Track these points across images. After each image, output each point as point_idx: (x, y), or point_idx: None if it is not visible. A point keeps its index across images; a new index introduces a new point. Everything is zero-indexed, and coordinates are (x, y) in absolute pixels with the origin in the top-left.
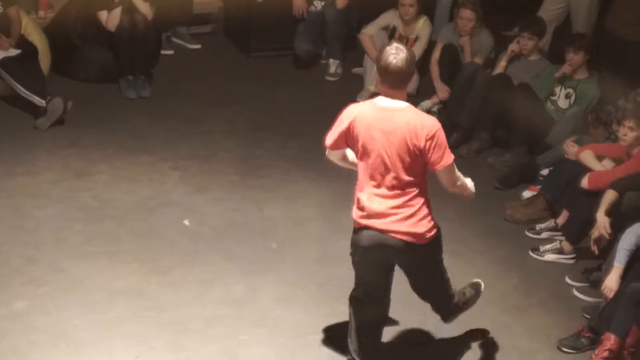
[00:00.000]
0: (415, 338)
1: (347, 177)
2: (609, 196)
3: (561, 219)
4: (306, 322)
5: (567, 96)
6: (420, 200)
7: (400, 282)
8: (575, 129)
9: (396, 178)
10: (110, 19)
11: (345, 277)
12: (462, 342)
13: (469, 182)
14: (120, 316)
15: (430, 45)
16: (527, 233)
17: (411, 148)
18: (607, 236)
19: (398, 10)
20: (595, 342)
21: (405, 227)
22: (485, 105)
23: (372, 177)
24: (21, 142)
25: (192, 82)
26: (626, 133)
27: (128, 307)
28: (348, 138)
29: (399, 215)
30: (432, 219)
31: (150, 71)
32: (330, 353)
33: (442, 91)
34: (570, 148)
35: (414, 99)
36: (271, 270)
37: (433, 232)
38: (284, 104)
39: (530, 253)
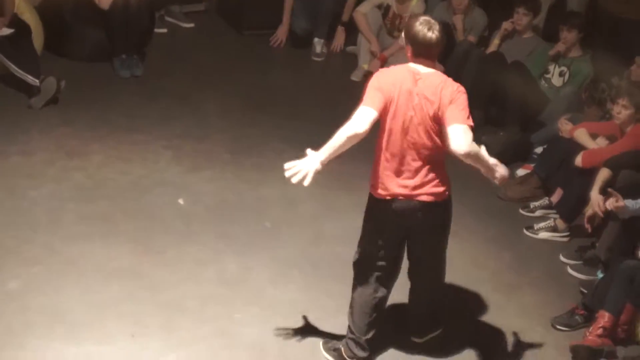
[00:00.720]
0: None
1: (343, 157)
2: (603, 174)
3: (555, 197)
4: (301, 301)
5: (561, 74)
6: (440, 165)
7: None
8: (569, 107)
9: (423, 147)
10: None
11: (340, 257)
12: (454, 322)
13: (495, 163)
14: (115, 296)
15: None
16: (521, 211)
17: (436, 107)
18: (601, 214)
19: None
20: (589, 320)
21: (428, 189)
22: (478, 83)
23: (396, 154)
24: (15, 121)
25: (186, 60)
26: (620, 111)
27: (123, 287)
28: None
29: (424, 183)
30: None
31: (144, 50)
32: (325, 332)
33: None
34: (564, 126)
35: None
36: (265, 250)
37: (449, 190)
38: (278, 82)
39: (525, 231)
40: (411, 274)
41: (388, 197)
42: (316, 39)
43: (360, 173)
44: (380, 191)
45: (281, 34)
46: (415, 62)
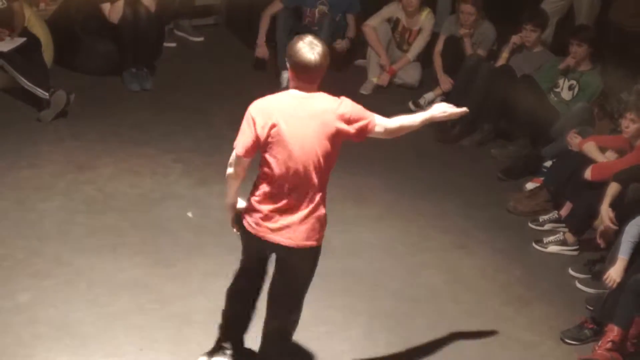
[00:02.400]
0: (418, 333)
1: (349, 170)
2: (612, 189)
3: (564, 211)
4: (309, 314)
5: (571, 88)
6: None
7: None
8: (580, 121)
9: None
10: (113, 11)
11: (348, 269)
12: (464, 335)
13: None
14: (124, 309)
15: (433, 37)
16: (530, 225)
17: (332, 130)
18: (613, 227)
19: (401, 2)
20: (598, 334)
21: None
22: (488, 97)
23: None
24: (24, 134)
25: (195, 74)
26: (628, 125)
27: (132, 299)
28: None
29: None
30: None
31: (153, 63)
32: (332, 345)
33: (445, 83)
34: (574, 139)
35: (417, 91)
36: (274, 263)
37: None
38: None
39: (534, 245)
40: None
41: None
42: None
43: (369, 185)
44: None
45: (259, 53)
46: (298, 88)
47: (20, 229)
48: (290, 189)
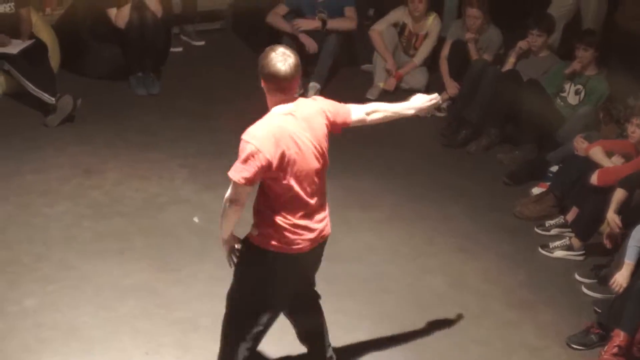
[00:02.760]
0: (422, 337)
1: (355, 174)
2: (618, 195)
3: (570, 216)
4: None
5: (577, 92)
6: None
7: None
8: (586, 126)
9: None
10: (120, 16)
11: (354, 274)
12: (469, 340)
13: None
14: (129, 313)
15: (440, 41)
16: (536, 230)
17: (324, 129)
18: (618, 230)
19: (408, 7)
20: (604, 339)
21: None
22: (494, 102)
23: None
24: (31, 139)
25: (201, 79)
26: (634, 130)
27: (138, 304)
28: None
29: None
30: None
31: (160, 68)
32: (338, 349)
33: (451, 87)
34: (580, 144)
35: None
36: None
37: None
38: None
39: (540, 250)
40: None
41: None
42: (311, 83)
43: (375, 190)
44: None
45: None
46: (280, 101)
47: (26, 234)
48: (311, 195)
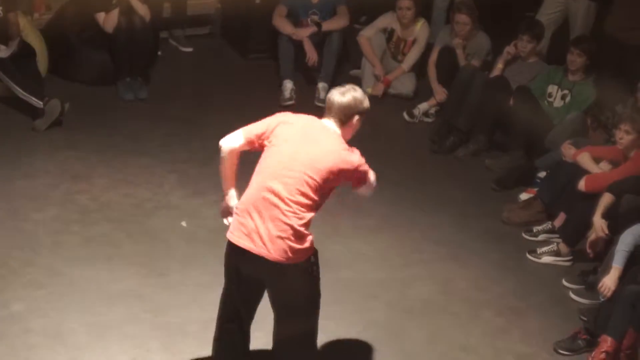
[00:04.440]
0: (411, 344)
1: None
2: (606, 199)
3: (558, 222)
4: None
5: (563, 97)
6: None
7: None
8: (573, 132)
9: None
10: (108, 20)
11: (344, 280)
12: (457, 346)
13: None
14: (117, 319)
15: (428, 47)
16: (524, 235)
17: None
18: (604, 237)
19: (396, 12)
20: (591, 344)
21: None
22: (482, 108)
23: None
24: (19, 144)
25: (190, 84)
26: (622, 136)
27: (126, 309)
28: None
29: None
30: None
31: (148, 73)
32: (325, 356)
33: (440, 93)
34: (568, 150)
35: (412, 102)
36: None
37: None
38: (282, 106)
39: (527, 255)
40: None
41: None
42: (321, 84)
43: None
44: None
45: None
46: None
47: (15, 239)
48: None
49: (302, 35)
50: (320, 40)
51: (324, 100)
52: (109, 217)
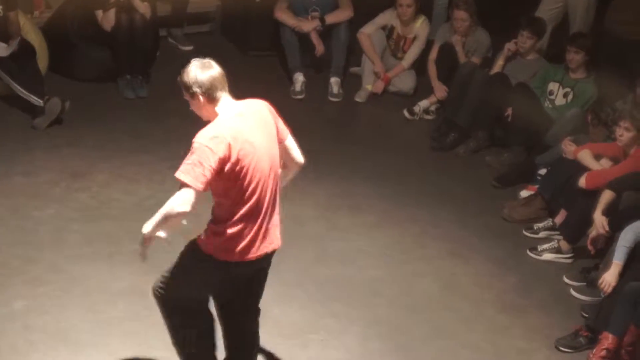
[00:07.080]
0: (412, 341)
1: (344, 177)
2: (606, 196)
3: (559, 218)
4: (304, 321)
5: (565, 95)
6: None
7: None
8: (574, 128)
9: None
10: (105, 19)
11: (344, 277)
12: (459, 343)
13: None
14: (119, 316)
15: (428, 44)
16: (524, 232)
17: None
18: (605, 234)
19: (396, 10)
20: (593, 341)
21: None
22: (483, 105)
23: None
24: (19, 142)
25: None
26: (622, 133)
27: (127, 307)
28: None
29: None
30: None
31: (148, 71)
32: (327, 353)
33: (440, 90)
34: (568, 147)
35: (412, 99)
36: (269, 270)
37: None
38: (283, 102)
39: (528, 252)
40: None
41: None
42: (333, 78)
43: (364, 193)
44: None
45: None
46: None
47: (15, 237)
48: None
49: (306, 28)
50: (324, 33)
51: (337, 95)
52: (109, 214)
